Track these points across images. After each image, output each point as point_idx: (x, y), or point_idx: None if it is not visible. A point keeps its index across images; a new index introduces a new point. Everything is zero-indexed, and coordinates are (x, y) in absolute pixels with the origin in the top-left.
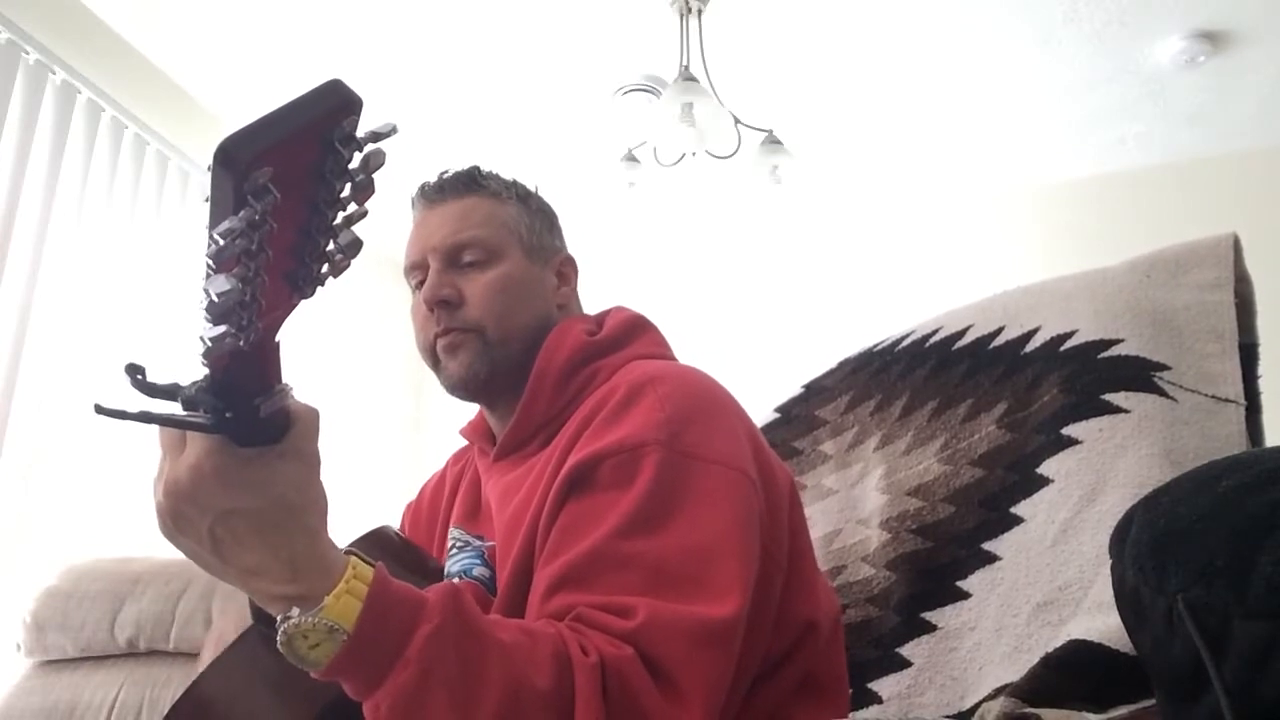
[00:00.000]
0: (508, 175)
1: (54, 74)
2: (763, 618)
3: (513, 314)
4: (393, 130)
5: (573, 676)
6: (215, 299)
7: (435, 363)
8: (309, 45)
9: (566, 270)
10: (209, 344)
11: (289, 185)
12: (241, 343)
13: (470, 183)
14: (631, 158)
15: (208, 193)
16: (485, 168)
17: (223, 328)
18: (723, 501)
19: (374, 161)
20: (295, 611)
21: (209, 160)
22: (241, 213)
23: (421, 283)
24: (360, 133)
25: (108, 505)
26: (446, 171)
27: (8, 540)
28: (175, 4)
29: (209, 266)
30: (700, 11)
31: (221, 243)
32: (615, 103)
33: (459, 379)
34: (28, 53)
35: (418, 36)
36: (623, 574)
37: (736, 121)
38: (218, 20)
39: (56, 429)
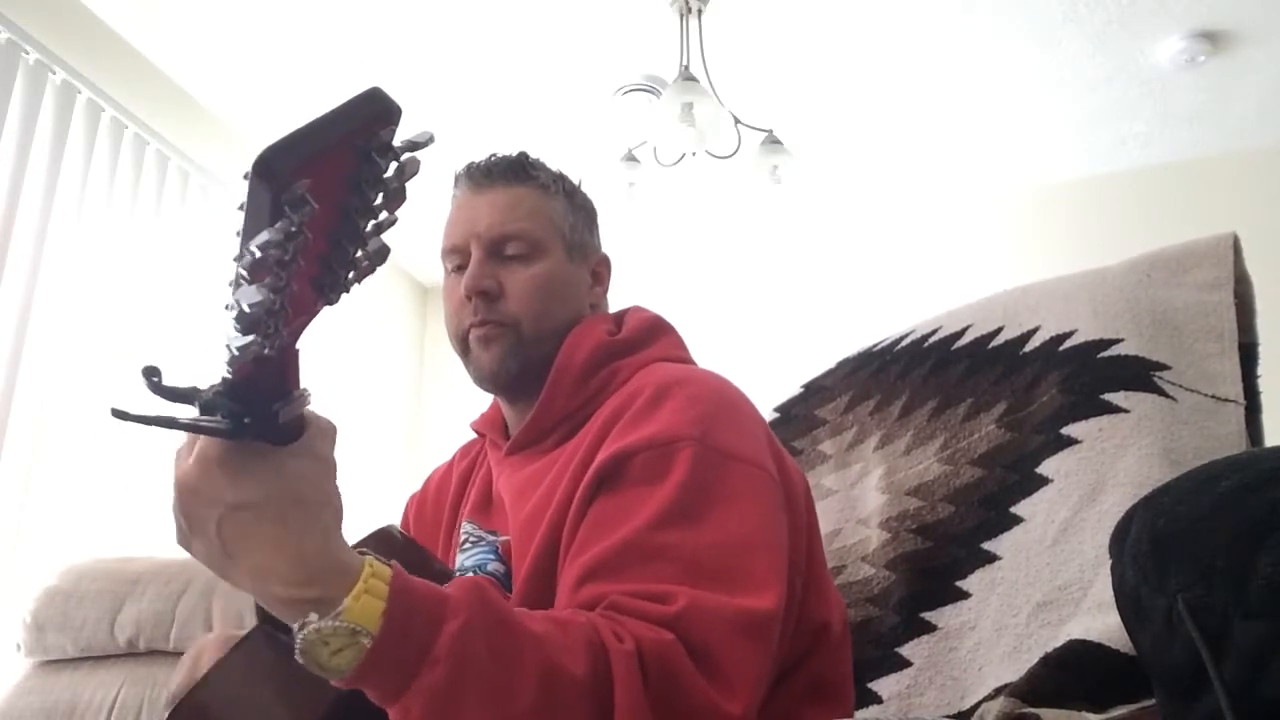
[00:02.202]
0: (554, 167)
1: (54, 74)
2: (785, 621)
3: (550, 313)
4: (429, 140)
5: (609, 664)
6: (247, 309)
7: (465, 351)
8: (309, 45)
9: (601, 270)
10: (236, 353)
11: (324, 195)
12: (267, 350)
13: (520, 171)
14: (631, 158)
15: (242, 200)
16: (533, 155)
17: (251, 337)
18: (755, 500)
19: (409, 170)
20: (314, 617)
21: (211, 161)
22: (279, 224)
23: (459, 267)
24: (397, 142)
25: (108, 505)
26: (494, 154)
27: (8, 540)
28: (175, 4)
29: (241, 277)
30: (700, 11)
31: (259, 255)
32: (615, 103)
33: (489, 372)
34: (28, 53)
35: (417, 36)
36: (658, 565)
37: (736, 121)
38: (218, 20)
39: (56, 429)
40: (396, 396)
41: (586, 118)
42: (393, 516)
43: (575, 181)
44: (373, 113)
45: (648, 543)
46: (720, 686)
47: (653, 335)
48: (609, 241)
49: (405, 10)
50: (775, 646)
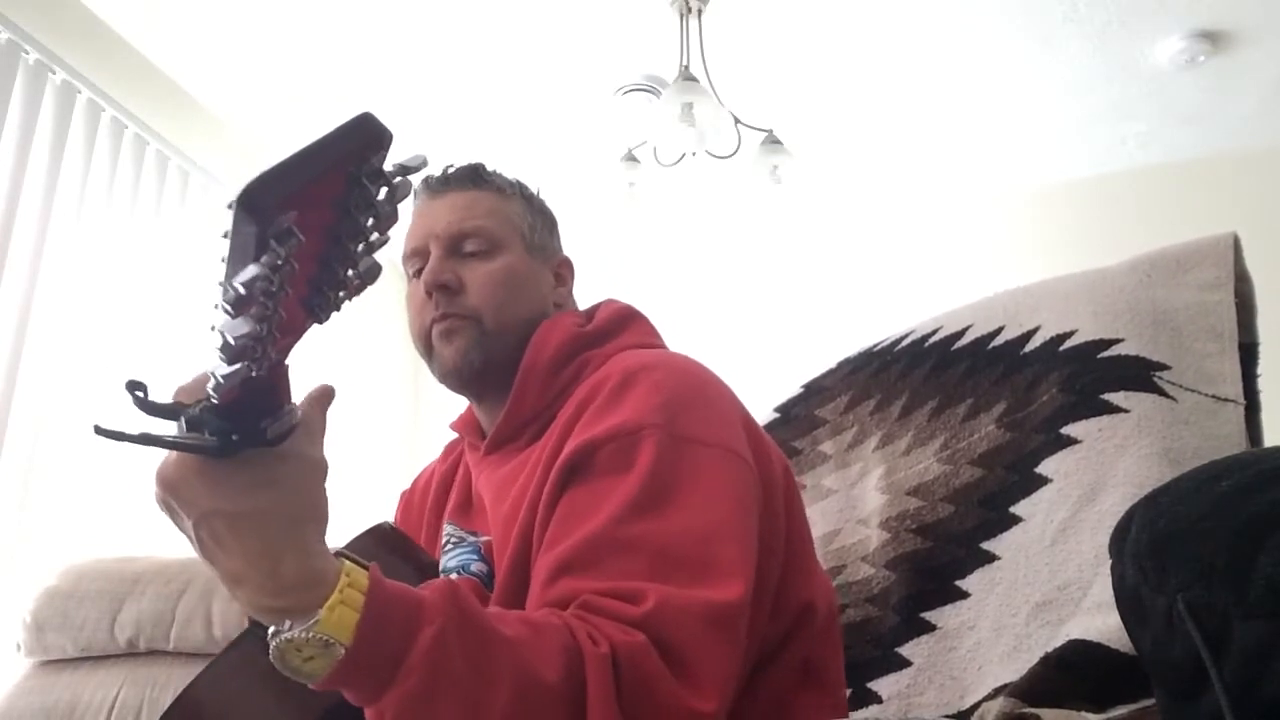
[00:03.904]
0: (511, 175)
1: (54, 74)
2: (760, 603)
3: (511, 306)
4: (423, 163)
5: (583, 668)
6: (233, 342)
7: (428, 350)
8: (309, 45)
9: (564, 271)
10: (222, 380)
11: (312, 223)
12: (255, 373)
13: (475, 177)
14: (631, 158)
15: (226, 229)
16: (489, 166)
17: (238, 365)
18: (722, 484)
19: (400, 193)
20: (287, 624)
21: (211, 161)
22: (264, 258)
23: (419, 270)
24: (388, 166)
25: (108, 505)
26: (450, 166)
27: (8, 540)
28: (175, 4)
29: (226, 310)
30: (700, 11)
31: (243, 292)
32: (615, 103)
33: (452, 366)
34: (27, 53)
35: (417, 36)
36: (627, 559)
37: (736, 121)
38: (218, 20)
39: (56, 429)
40: (394, 396)
41: (586, 118)
42: (389, 516)
43: (534, 189)
44: (362, 140)
45: (616, 536)
46: (691, 685)
47: (622, 324)
48: (608, 242)
49: (405, 10)
50: (744, 635)
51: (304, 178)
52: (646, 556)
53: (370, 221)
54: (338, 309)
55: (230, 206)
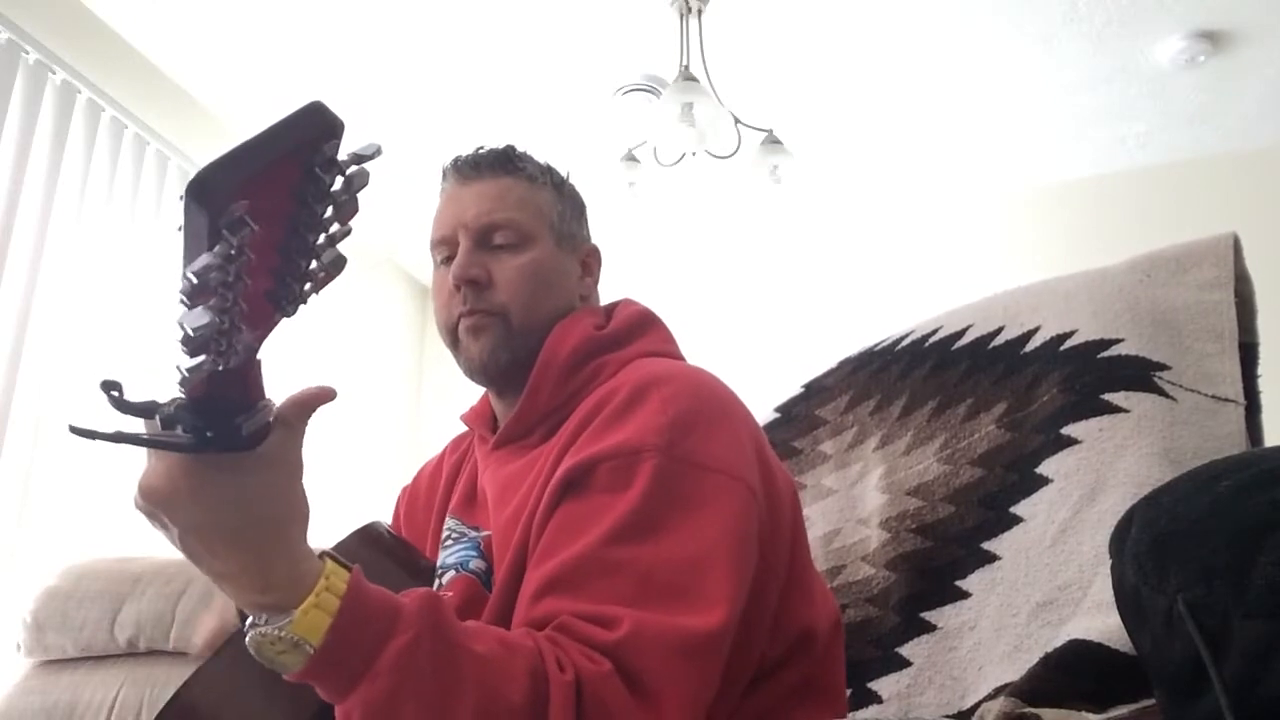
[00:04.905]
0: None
1: (54, 74)
2: (758, 625)
3: (539, 302)
4: (377, 152)
5: (547, 693)
6: (192, 333)
7: (455, 343)
8: (308, 44)
9: (590, 261)
10: (186, 374)
11: (267, 212)
12: (221, 367)
13: (506, 162)
14: (631, 158)
15: (180, 223)
16: (520, 149)
17: (201, 358)
18: (718, 511)
19: (357, 182)
20: (263, 619)
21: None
22: (217, 248)
23: (448, 258)
24: (342, 155)
25: (108, 505)
26: (481, 147)
27: (8, 540)
28: (175, 4)
29: (183, 301)
30: (700, 11)
31: (195, 281)
32: (615, 103)
33: (479, 363)
34: (28, 53)
35: (418, 36)
36: (611, 581)
37: (736, 121)
38: (218, 20)
39: (56, 429)
40: (396, 396)
41: (586, 118)
42: (390, 506)
43: (563, 174)
44: (313, 129)
45: (603, 557)
46: (653, 713)
47: (639, 329)
48: (609, 242)
49: (405, 10)
50: (721, 663)
51: (253, 167)
52: (630, 580)
53: (329, 212)
54: (304, 302)
55: (181, 199)
